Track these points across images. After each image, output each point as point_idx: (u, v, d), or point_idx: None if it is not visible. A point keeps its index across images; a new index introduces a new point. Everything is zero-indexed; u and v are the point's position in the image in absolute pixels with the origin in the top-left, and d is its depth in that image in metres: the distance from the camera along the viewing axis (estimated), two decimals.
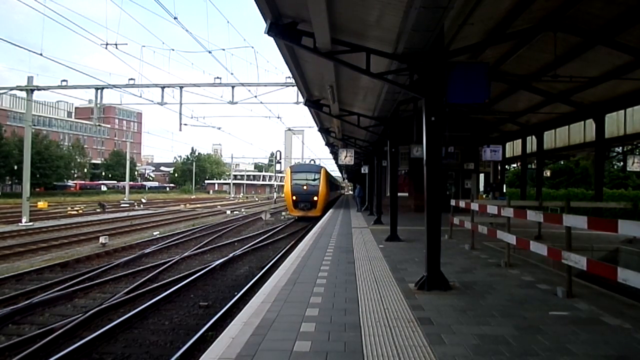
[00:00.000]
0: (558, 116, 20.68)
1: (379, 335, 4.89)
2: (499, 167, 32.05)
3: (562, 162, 48.69)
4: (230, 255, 16.31)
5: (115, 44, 20.77)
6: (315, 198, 31.24)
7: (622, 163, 38.23)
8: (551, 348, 4.51)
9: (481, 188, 30.70)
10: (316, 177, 32.38)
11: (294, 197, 31.34)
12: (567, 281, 6.59)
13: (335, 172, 73.94)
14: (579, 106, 17.58)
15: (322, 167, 34.57)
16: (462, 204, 12.45)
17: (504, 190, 30.52)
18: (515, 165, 43.28)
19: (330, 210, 29.96)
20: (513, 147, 31.91)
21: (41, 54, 20.62)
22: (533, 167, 33.14)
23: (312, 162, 44.53)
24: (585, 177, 46.69)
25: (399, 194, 16.18)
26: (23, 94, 30.91)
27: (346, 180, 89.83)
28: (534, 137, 25.36)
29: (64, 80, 27.59)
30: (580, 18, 11.02)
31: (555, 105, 18.28)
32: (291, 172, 33.11)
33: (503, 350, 4.45)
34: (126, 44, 33.22)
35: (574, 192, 37.49)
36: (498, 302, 6.31)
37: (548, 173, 44.34)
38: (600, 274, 5.64)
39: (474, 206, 11.13)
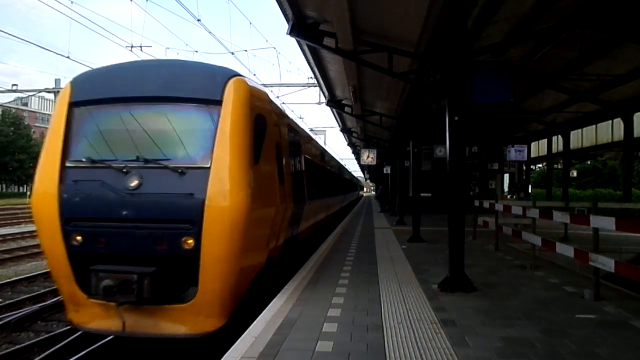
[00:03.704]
0: (585, 115, 20.29)
1: (402, 337, 4.86)
2: (524, 167, 31.58)
3: (589, 162, 47.80)
4: None
5: (140, 46, 21.02)
6: (191, 241, 5.25)
7: None
8: (578, 352, 4.43)
9: (506, 188, 30.31)
10: (206, 127, 5.50)
11: (78, 239, 5.44)
12: (595, 284, 6.46)
13: (358, 173, 72.42)
14: (607, 105, 17.21)
15: (234, 75, 5.89)
16: (486, 204, 12.31)
17: (529, 191, 30.06)
18: (540, 165, 42.60)
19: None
20: (538, 147, 31.44)
21: (68, 57, 21.00)
22: (559, 167, 32.63)
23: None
24: (613, 177, 45.80)
25: (422, 194, 16.04)
26: (51, 96, 31.68)
27: (368, 181, 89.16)
28: (560, 136, 24.95)
29: None
30: (607, 15, 10.79)
31: (582, 104, 17.94)
32: (71, 102, 5.84)
33: (528, 353, 4.38)
34: (150, 46, 33.76)
35: (602, 192, 36.80)
36: (523, 305, 6.22)
37: (574, 173, 43.54)
38: (628, 277, 5.52)
39: (498, 207, 11.00)
